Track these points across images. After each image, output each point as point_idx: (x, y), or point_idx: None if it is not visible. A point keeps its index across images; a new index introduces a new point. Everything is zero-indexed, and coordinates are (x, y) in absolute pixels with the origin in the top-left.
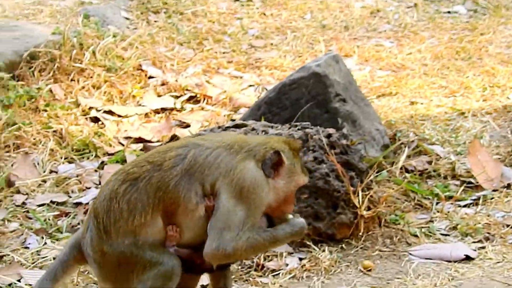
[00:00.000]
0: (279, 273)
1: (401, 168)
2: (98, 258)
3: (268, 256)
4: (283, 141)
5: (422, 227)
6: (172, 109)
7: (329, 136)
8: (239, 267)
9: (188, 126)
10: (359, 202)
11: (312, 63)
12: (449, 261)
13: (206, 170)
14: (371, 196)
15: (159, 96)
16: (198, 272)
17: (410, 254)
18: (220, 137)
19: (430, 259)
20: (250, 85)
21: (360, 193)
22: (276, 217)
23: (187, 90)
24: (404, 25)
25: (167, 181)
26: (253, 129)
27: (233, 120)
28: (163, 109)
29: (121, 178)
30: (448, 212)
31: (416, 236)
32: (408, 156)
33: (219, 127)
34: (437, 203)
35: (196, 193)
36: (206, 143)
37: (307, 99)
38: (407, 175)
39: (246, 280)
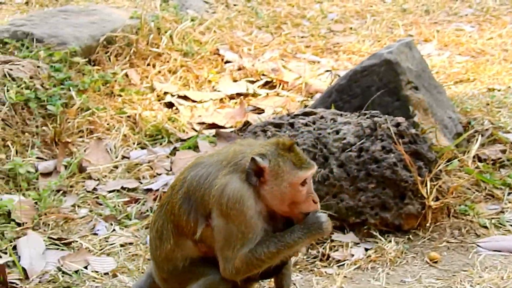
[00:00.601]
0: (344, 264)
1: (473, 157)
2: (163, 284)
3: (334, 246)
4: (271, 143)
5: (492, 218)
6: (247, 95)
7: (397, 125)
8: (305, 257)
9: (262, 112)
10: (427, 192)
11: (384, 50)
12: None
13: (200, 191)
14: (439, 186)
15: (235, 81)
16: (256, 279)
17: (478, 246)
18: (222, 151)
19: (499, 251)
20: (327, 70)
21: (429, 183)
22: (298, 219)
23: (263, 75)
24: (486, 9)
25: (174, 204)
26: (322, 117)
27: (306, 107)
28: (238, 95)
29: (156, 206)
30: None
31: (485, 227)
32: (482, 145)
33: (288, 115)
34: (509, 194)
35: (196, 214)
36: (204, 162)
37: (378, 87)
38: (480, 164)
39: (311, 270)
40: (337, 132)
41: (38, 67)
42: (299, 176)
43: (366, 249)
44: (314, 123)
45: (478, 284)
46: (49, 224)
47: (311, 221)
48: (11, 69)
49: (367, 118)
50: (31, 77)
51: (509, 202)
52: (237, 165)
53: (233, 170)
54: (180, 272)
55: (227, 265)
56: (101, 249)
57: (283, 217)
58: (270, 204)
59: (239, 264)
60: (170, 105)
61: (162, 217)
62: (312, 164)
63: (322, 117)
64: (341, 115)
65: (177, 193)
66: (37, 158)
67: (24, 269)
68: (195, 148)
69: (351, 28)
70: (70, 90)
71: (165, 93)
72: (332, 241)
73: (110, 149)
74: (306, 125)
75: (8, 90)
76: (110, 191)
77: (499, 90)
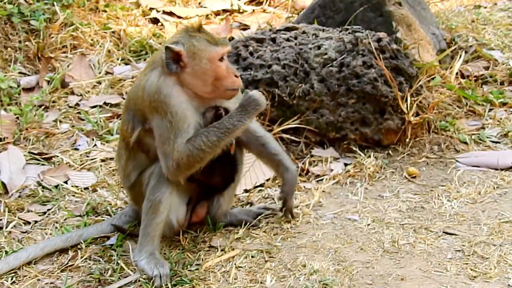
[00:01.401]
0: (323, 179)
1: (456, 74)
2: (136, 206)
3: (314, 161)
4: (180, 31)
5: (473, 134)
6: (233, 11)
7: (379, 40)
8: None
9: (247, 28)
10: (407, 107)
11: None
12: (496, 169)
13: (133, 100)
14: (420, 102)
15: None
16: (217, 189)
17: (457, 161)
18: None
19: (477, 166)
20: None
21: (409, 99)
22: (225, 97)
23: None
24: None
25: (121, 123)
26: (303, 32)
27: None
28: (224, 11)
29: None
30: (501, 119)
31: (465, 143)
32: (466, 62)
33: (270, 30)
34: (490, 110)
35: (133, 122)
36: (139, 75)
37: (362, 2)
38: (462, 81)
39: None
40: (319, 47)
41: None
42: (216, 51)
43: (345, 164)
44: (296, 38)
45: (456, 199)
46: (30, 139)
47: (246, 102)
48: None
49: (349, 33)
50: None
51: (490, 118)
52: (154, 63)
53: (152, 68)
54: (135, 185)
55: (168, 162)
56: (82, 164)
57: (213, 113)
58: (195, 88)
59: (178, 156)
60: (155, 21)
61: (119, 142)
62: (227, 42)
63: (304, 32)
64: (323, 30)
65: (122, 112)
66: (20, 73)
67: (3, 184)
68: None
69: None
70: (54, 5)
71: (151, 9)
72: (311, 156)
73: (94, 65)
74: (288, 40)
75: None
76: (92, 107)
77: (485, 7)
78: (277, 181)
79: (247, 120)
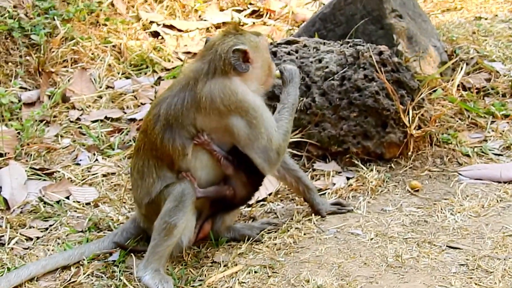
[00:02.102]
0: (325, 193)
1: (458, 86)
2: (145, 223)
3: (316, 175)
4: (223, 35)
5: (475, 147)
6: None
7: (380, 53)
8: (286, 187)
9: None
10: (409, 121)
11: None
12: (499, 182)
13: (182, 115)
14: (422, 115)
15: (221, 10)
16: (233, 205)
17: (460, 174)
18: (177, 80)
19: (480, 179)
20: None
21: (411, 112)
22: (270, 85)
23: (250, 4)
24: None
25: (153, 140)
26: (304, 45)
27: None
28: (225, 24)
29: (131, 154)
30: (503, 131)
31: (468, 156)
32: (467, 74)
33: (271, 44)
34: (492, 122)
35: (182, 139)
36: (169, 93)
37: (362, 15)
38: (464, 93)
39: (292, 199)
40: (320, 61)
41: None
42: (266, 40)
43: (348, 178)
44: (297, 51)
45: (459, 212)
46: (31, 154)
47: (291, 75)
48: None
49: (350, 46)
50: (14, 7)
51: (492, 131)
52: (208, 74)
53: (207, 79)
54: (155, 200)
55: (268, 155)
56: (83, 179)
57: None
58: (259, 80)
59: (277, 145)
60: (155, 34)
61: (141, 158)
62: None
63: (305, 46)
64: (324, 43)
65: (153, 130)
66: (21, 88)
67: (5, 200)
68: None
69: None
70: (54, 20)
71: (151, 22)
72: (314, 170)
73: (94, 79)
74: (289, 53)
75: None
76: (93, 121)
77: (486, 19)
78: (279, 196)
79: (298, 91)
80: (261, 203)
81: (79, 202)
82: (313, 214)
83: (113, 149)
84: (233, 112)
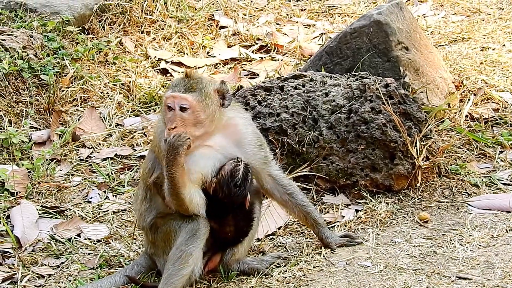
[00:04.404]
0: (334, 225)
1: (466, 117)
2: (153, 250)
3: (325, 208)
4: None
5: (484, 177)
6: (241, 60)
7: (387, 85)
8: (295, 221)
9: (256, 76)
10: (417, 152)
11: (373, 11)
12: (508, 212)
13: (154, 141)
14: (430, 146)
15: (229, 46)
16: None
17: (469, 204)
18: None
19: (489, 209)
20: (322, 34)
21: (418, 143)
22: None
23: (258, 39)
24: None
25: (144, 161)
26: (311, 79)
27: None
28: (233, 60)
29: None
30: None
31: (476, 186)
32: (475, 104)
33: (278, 78)
34: (501, 152)
35: (154, 163)
36: None
37: (368, 48)
38: (472, 123)
39: (302, 233)
40: (327, 94)
41: (31, 37)
42: (165, 95)
43: (357, 211)
44: (303, 86)
45: (468, 243)
46: (42, 193)
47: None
48: (4, 40)
49: (356, 79)
50: (24, 47)
51: (501, 161)
52: None
53: None
54: (154, 229)
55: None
56: (94, 217)
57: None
58: None
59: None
60: (164, 71)
61: (139, 182)
62: (180, 90)
63: (311, 80)
64: (330, 77)
65: (147, 152)
66: (31, 127)
67: (17, 238)
68: None
69: None
70: (63, 59)
71: (160, 60)
72: (323, 203)
73: (104, 117)
74: (295, 88)
75: (1, 61)
76: (103, 159)
77: (493, 49)
78: (288, 229)
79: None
80: (271, 237)
81: (90, 239)
82: (322, 247)
83: (124, 186)
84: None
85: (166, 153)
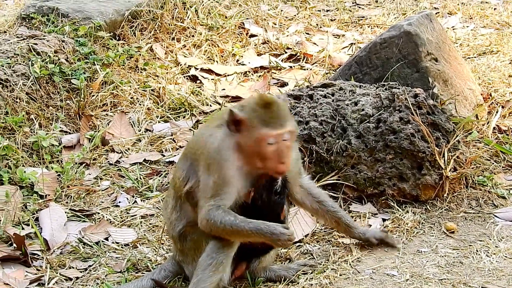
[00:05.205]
0: None
1: (493, 129)
2: (182, 258)
3: (352, 217)
4: (253, 98)
5: (511, 189)
6: (271, 68)
7: (415, 96)
8: (322, 228)
9: (285, 84)
10: (444, 163)
11: (403, 21)
12: None
13: (194, 150)
14: (457, 157)
15: (259, 55)
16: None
17: (495, 216)
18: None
19: None
20: (351, 44)
21: (446, 154)
22: (270, 173)
23: (287, 48)
24: None
25: (174, 171)
26: (340, 88)
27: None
28: (262, 68)
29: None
30: None
31: (503, 197)
32: (503, 116)
33: (307, 87)
34: None
35: (189, 172)
36: (202, 125)
37: (398, 58)
38: (500, 136)
39: (329, 241)
40: (356, 104)
41: (63, 41)
42: (264, 133)
43: (384, 220)
44: (333, 94)
45: (494, 254)
46: (71, 196)
47: (274, 225)
48: (36, 44)
49: (386, 89)
50: (55, 52)
51: None
52: (222, 119)
53: (218, 124)
54: (184, 237)
55: (200, 215)
56: (122, 221)
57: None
58: (246, 157)
59: (202, 216)
60: (194, 78)
61: (169, 190)
62: (281, 125)
63: (341, 89)
64: (360, 86)
65: (179, 160)
66: (61, 131)
67: (45, 241)
68: None
69: (376, 1)
70: (94, 64)
71: (189, 66)
72: (350, 211)
73: (133, 122)
74: (325, 96)
75: (33, 64)
76: (132, 164)
77: None
78: (315, 237)
79: (256, 235)
80: (298, 244)
81: (118, 243)
82: (349, 255)
83: (152, 191)
84: (208, 166)
85: (268, 231)
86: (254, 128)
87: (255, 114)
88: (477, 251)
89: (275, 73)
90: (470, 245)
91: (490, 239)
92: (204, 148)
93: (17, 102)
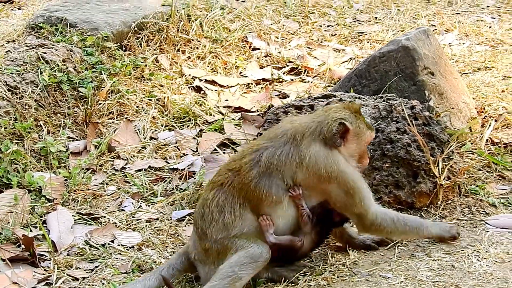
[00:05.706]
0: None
1: (486, 141)
2: (202, 257)
3: (350, 223)
4: (343, 108)
5: (502, 198)
6: (273, 80)
7: (412, 107)
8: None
9: (287, 96)
10: (439, 171)
11: (402, 37)
12: None
13: (282, 168)
14: (451, 166)
15: (261, 67)
16: (297, 257)
17: (487, 223)
18: (281, 132)
19: (506, 228)
20: (351, 58)
21: (441, 163)
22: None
23: (289, 62)
24: (508, 1)
25: (247, 182)
26: (340, 99)
27: None
28: (264, 80)
29: (209, 187)
30: None
31: (494, 206)
32: (495, 129)
33: (309, 98)
34: None
35: (278, 188)
36: (273, 144)
37: (396, 72)
38: (492, 147)
39: (327, 244)
40: None
41: (71, 51)
42: (371, 135)
43: None
44: (328, 105)
45: (485, 258)
46: (78, 200)
47: (444, 225)
48: (45, 53)
49: (384, 101)
50: (64, 61)
51: None
52: (313, 135)
53: (312, 140)
54: (225, 242)
55: (363, 220)
56: (128, 224)
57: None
58: (348, 161)
59: (373, 216)
60: (198, 89)
61: (225, 194)
62: (373, 128)
63: (341, 100)
64: (359, 98)
65: (249, 173)
66: (68, 137)
67: (53, 242)
68: (221, 130)
69: (376, 18)
70: (101, 74)
71: (194, 77)
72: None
73: (139, 130)
74: None
75: (41, 73)
76: (137, 170)
77: None
78: None
79: (433, 232)
80: None
81: (123, 245)
82: (346, 258)
83: (156, 197)
84: (332, 180)
85: (443, 230)
86: (363, 134)
87: (360, 122)
88: (468, 255)
89: (277, 85)
90: (462, 250)
91: (481, 245)
92: (316, 165)
93: (26, 108)
